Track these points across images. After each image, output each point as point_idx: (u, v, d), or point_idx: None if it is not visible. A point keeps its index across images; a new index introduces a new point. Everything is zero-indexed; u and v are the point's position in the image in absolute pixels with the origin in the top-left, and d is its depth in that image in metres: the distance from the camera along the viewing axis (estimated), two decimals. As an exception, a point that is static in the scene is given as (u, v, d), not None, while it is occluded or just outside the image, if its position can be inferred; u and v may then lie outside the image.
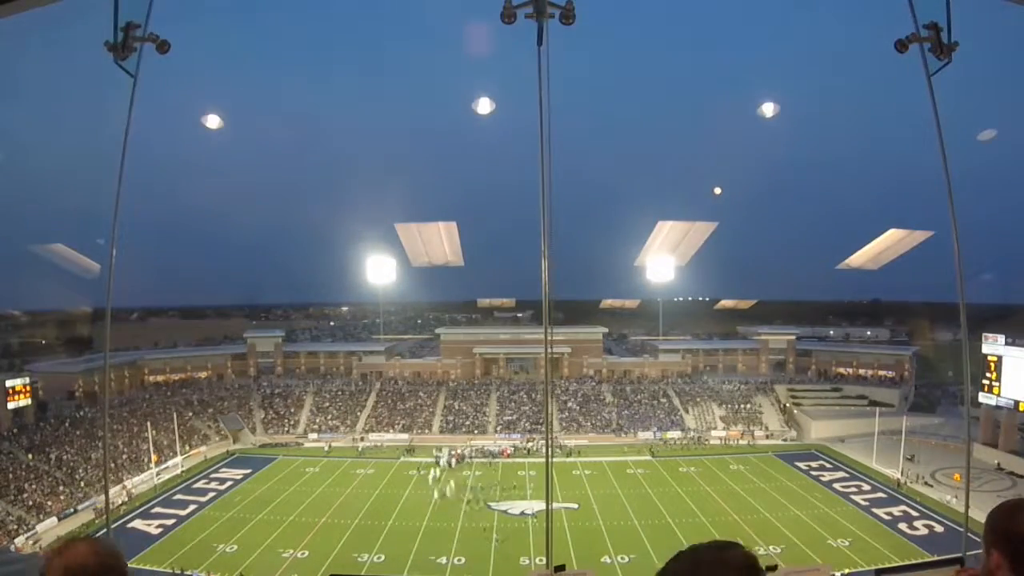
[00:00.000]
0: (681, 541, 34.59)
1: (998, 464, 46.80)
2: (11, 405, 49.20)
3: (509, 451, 54.99)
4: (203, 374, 71.18)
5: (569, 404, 64.52)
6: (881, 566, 4.24)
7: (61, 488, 43.09)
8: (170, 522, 38.89)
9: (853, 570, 28.60)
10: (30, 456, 45.45)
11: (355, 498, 43.21)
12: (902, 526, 36.69)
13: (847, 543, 34.05)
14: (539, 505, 40.33)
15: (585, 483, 45.89)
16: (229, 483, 47.13)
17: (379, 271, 54.83)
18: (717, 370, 72.92)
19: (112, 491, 41.88)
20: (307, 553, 33.90)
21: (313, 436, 60.64)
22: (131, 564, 31.25)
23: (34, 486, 42.13)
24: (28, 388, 51.09)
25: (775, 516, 38.61)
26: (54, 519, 39.68)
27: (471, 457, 53.27)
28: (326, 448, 57.33)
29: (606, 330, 75.09)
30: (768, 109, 20.63)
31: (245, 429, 61.71)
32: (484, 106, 16.36)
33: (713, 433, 59.78)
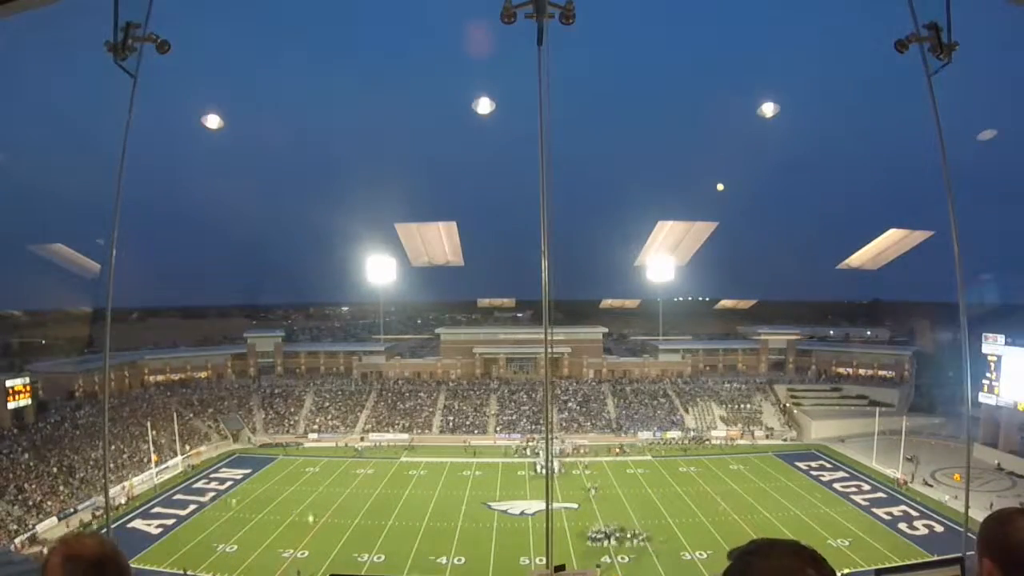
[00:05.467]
0: (681, 541, 34.78)
1: (998, 464, 46.80)
2: (11, 405, 49.19)
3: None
4: (203, 374, 71.22)
5: (569, 404, 64.54)
6: (881, 566, 4.24)
7: (61, 488, 43.10)
8: (170, 522, 38.90)
9: (853, 570, 28.60)
10: (29, 456, 45.45)
11: (355, 498, 43.23)
12: (902, 526, 36.70)
13: (847, 543, 34.05)
14: (538, 505, 40.40)
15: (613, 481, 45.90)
16: (229, 483, 47.13)
17: (379, 271, 54.88)
18: (717, 370, 72.93)
19: (112, 491, 41.92)
20: (307, 553, 33.90)
21: (313, 436, 60.68)
22: (131, 564, 31.54)
23: (34, 486, 42.12)
24: (28, 388, 51.09)
25: (775, 516, 38.62)
26: (54, 519, 39.68)
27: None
28: (335, 446, 57.64)
29: (606, 330, 75.08)
30: (768, 109, 20.62)
31: (245, 429, 61.71)
32: (484, 106, 16.36)
33: (713, 433, 59.79)
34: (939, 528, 36.09)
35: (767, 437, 59.28)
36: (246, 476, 48.70)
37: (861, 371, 69.83)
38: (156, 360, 69.67)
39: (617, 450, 55.34)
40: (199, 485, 46.58)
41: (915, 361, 67.62)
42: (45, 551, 1.87)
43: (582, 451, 54.83)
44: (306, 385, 69.03)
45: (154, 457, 49.61)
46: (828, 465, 50.07)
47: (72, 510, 41.11)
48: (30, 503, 40.42)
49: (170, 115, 42.00)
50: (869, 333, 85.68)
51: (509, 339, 73.05)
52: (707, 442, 58.25)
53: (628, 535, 34.76)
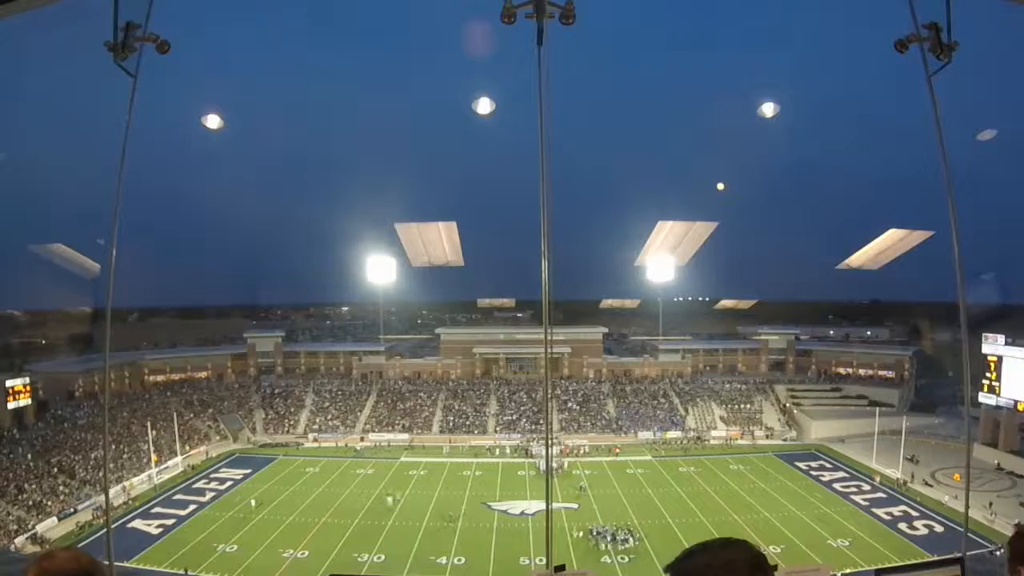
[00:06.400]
0: (681, 541, 34.68)
1: (998, 464, 46.82)
2: (11, 405, 49.22)
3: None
4: (203, 374, 71.23)
5: (569, 404, 64.52)
6: (881, 566, 4.23)
7: (61, 488, 43.09)
8: (170, 522, 38.91)
9: (853, 570, 28.60)
10: (30, 456, 45.45)
11: (355, 498, 43.23)
12: (902, 526, 36.71)
13: (847, 543, 34.06)
14: (538, 505, 40.40)
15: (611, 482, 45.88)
16: (229, 483, 47.15)
17: (379, 271, 54.83)
18: (717, 370, 72.94)
19: (112, 491, 41.91)
20: (307, 553, 33.91)
21: (313, 436, 60.67)
22: (131, 564, 31.04)
23: (34, 486, 42.13)
24: (28, 388, 51.12)
25: (775, 516, 38.62)
26: (54, 519, 39.68)
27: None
28: (334, 446, 57.90)
29: (606, 330, 75.06)
30: (768, 109, 20.61)
31: (245, 429, 61.72)
32: (484, 106, 16.34)
33: (713, 433, 59.79)
34: (939, 528, 36.08)
35: (767, 437, 59.29)
36: (246, 476, 48.71)
37: (861, 371, 69.85)
38: (156, 360, 69.67)
39: (617, 450, 55.34)
40: (199, 485, 46.58)
41: (915, 361, 67.65)
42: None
43: (580, 451, 54.79)
44: (306, 385, 69.03)
45: (154, 457, 49.61)
46: (828, 465, 50.07)
47: (72, 510, 41.10)
48: (30, 503, 40.43)
49: (170, 115, 42.00)
50: (869, 333, 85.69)
51: (509, 339, 73.06)
52: (706, 442, 58.24)
53: (619, 536, 34.68)
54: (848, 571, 28.17)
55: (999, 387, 50.00)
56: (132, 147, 6.05)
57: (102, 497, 42.91)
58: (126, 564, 30.80)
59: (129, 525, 38.28)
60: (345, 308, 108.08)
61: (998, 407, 50.05)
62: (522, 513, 39.78)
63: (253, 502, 41.93)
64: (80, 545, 35.61)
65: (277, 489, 45.34)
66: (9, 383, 49.38)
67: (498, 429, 61.10)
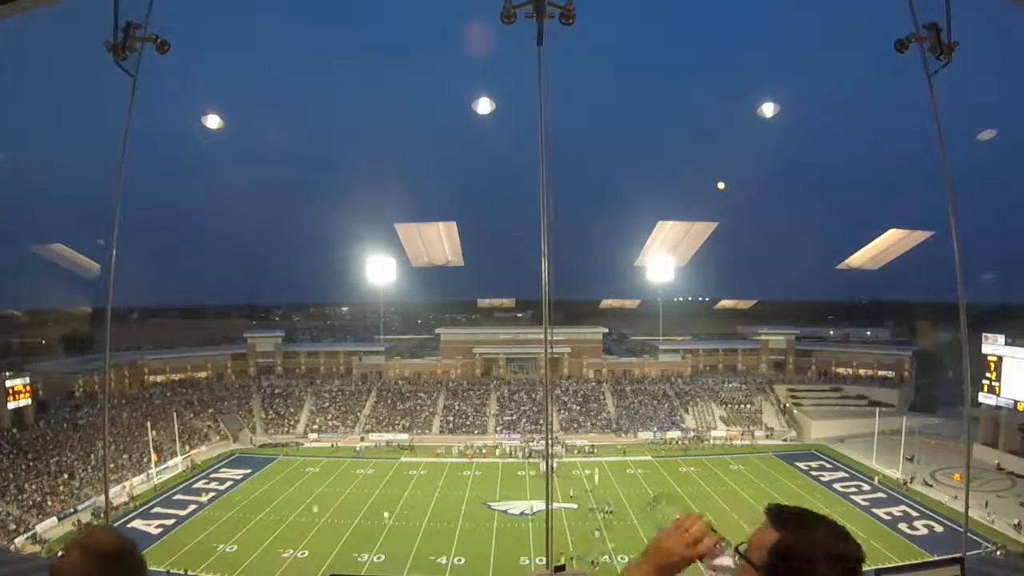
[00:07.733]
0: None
1: (998, 464, 46.81)
2: (11, 405, 49.19)
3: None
4: (203, 374, 71.23)
5: (569, 404, 64.53)
6: (881, 566, 4.22)
7: (61, 488, 43.09)
8: (170, 522, 38.90)
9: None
10: (30, 456, 45.45)
11: (355, 498, 43.23)
12: (902, 526, 36.71)
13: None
14: (539, 505, 40.39)
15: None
16: (229, 483, 47.14)
17: (379, 271, 54.94)
18: (717, 370, 72.93)
19: (112, 491, 41.90)
20: (307, 553, 33.91)
21: (313, 436, 60.66)
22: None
23: (34, 486, 42.12)
24: (28, 388, 51.09)
25: (775, 516, 38.56)
26: (54, 519, 39.67)
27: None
28: (331, 446, 57.82)
29: (606, 330, 75.04)
30: (768, 109, 20.55)
31: (245, 429, 61.71)
32: (484, 106, 16.31)
33: (713, 433, 59.77)
34: (939, 528, 36.09)
35: (767, 437, 59.27)
36: (246, 476, 48.70)
37: (861, 371, 69.84)
38: (156, 360, 69.66)
39: (617, 449, 55.30)
40: (199, 485, 46.58)
41: (915, 361, 67.65)
42: (62, 551, 1.93)
43: (576, 452, 54.64)
44: (306, 385, 69.02)
45: (154, 457, 49.60)
46: (828, 465, 50.07)
47: (72, 510, 41.07)
48: (30, 503, 40.43)
49: (170, 115, 42.06)
50: (869, 333, 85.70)
51: (509, 339, 73.03)
52: (706, 442, 58.21)
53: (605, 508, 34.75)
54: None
55: (999, 387, 49.99)
56: (132, 147, 6.06)
57: (102, 497, 42.88)
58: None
59: (129, 525, 38.23)
60: (345, 308, 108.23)
61: (998, 407, 50.05)
62: (522, 513, 39.79)
63: (316, 508, 40.55)
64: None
65: (277, 489, 45.32)
66: (9, 383, 49.34)
67: (498, 429, 61.09)
